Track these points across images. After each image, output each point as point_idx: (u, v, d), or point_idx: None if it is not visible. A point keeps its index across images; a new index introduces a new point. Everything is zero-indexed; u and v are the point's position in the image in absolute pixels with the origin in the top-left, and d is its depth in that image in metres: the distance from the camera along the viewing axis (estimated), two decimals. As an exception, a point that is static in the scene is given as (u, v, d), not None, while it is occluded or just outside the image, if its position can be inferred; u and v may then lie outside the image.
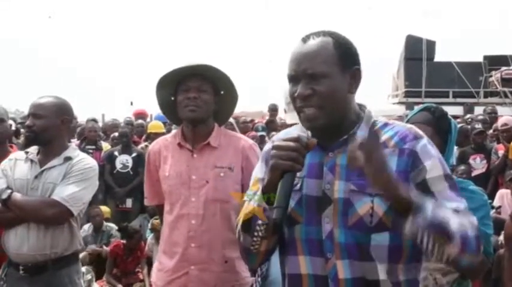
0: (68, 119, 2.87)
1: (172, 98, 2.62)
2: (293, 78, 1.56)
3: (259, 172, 1.71)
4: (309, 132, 1.58)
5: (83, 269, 5.55)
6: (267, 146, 1.73)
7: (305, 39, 1.57)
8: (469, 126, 7.32)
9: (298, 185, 1.57)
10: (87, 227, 6.19)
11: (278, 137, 1.70)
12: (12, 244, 2.73)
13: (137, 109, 9.68)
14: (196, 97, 2.51)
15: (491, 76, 12.18)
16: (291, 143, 1.48)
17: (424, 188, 1.50)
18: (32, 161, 2.80)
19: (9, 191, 2.70)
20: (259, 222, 1.54)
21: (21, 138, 8.20)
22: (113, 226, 6.30)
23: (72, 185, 2.71)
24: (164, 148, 2.68)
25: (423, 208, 1.39)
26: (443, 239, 1.40)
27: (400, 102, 11.90)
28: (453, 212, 1.45)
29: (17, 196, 2.69)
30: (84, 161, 2.83)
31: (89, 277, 5.58)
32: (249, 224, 1.58)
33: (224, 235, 2.53)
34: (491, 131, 7.69)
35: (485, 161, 6.82)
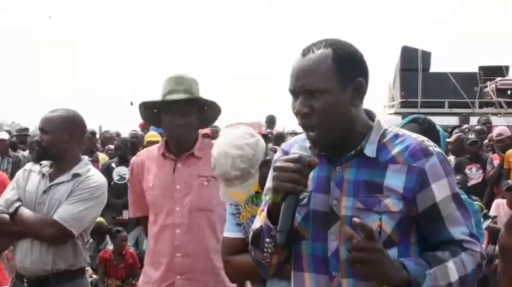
0: (78, 133, 2.84)
1: (155, 110, 2.67)
2: (292, 93, 1.54)
3: (269, 180, 1.70)
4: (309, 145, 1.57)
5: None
6: (278, 154, 1.72)
7: (304, 53, 1.53)
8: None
9: (306, 200, 1.55)
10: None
11: (287, 145, 1.70)
12: (18, 257, 2.75)
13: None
14: (181, 124, 2.55)
15: (486, 87, 12.22)
16: (292, 165, 1.45)
17: (434, 212, 1.51)
18: (43, 174, 2.80)
19: (16, 204, 2.70)
20: (267, 239, 1.53)
21: (19, 152, 8.20)
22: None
23: (75, 204, 2.68)
24: (147, 159, 2.70)
25: (421, 282, 1.41)
26: None
27: (396, 113, 11.91)
28: (454, 258, 1.48)
29: (22, 211, 2.69)
30: (92, 179, 2.78)
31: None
32: (257, 239, 1.58)
33: (209, 244, 2.54)
34: (486, 141, 7.72)
35: (481, 171, 6.83)
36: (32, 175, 2.83)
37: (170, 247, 2.54)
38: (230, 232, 2.31)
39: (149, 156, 2.71)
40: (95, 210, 2.79)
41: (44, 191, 2.74)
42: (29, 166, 2.94)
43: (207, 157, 2.56)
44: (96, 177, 2.83)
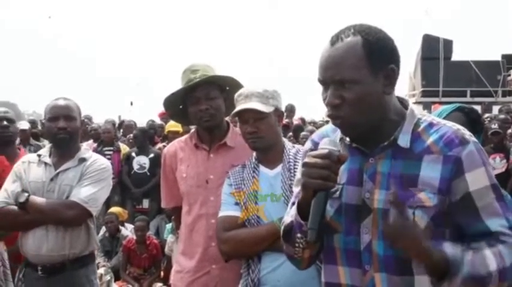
0: (83, 120, 2.93)
1: (181, 107, 2.66)
2: (322, 83, 1.48)
3: (299, 172, 1.66)
4: (347, 139, 1.53)
5: (102, 270, 5.60)
6: (307, 145, 1.69)
7: (333, 41, 1.45)
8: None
9: (338, 193, 1.52)
10: (103, 232, 6.23)
11: (317, 136, 1.66)
12: (31, 246, 2.75)
13: (163, 110, 9.63)
14: (208, 108, 2.53)
15: (509, 75, 12.05)
16: (321, 161, 1.40)
17: (467, 202, 1.44)
18: (45, 163, 2.82)
19: (26, 194, 2.71)
20: (298, 235, 1.51)
21: (43, 140, 8.28)
22: (127, 233, 6.29)
23: (89, 186, 2.74)
24: (180, 149, 2.70)
25: (460, 266, 1.34)
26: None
27: (417, 102, 11.81)
28: (492, 248, 1.40)
29: (36, 198, 2.70)
30: (99, 162, 2.85)
31: (108, 277, 5.62)
32: (289, 234, 1.56)
33: None
34: (510, 130, 7.60)
35: (505, 161, 6.75)
36: (32, 166, 2.84)
37: (205, 237, 2.55)
38: (228, 211, 2.32)
39: (181, 146, 2.71)
40: (106, 191, 2.85)
41: (52, 179, 2.77)
42: (26, 158, 2.96)
43: (239, 145, 2.56)
44: (102, 160, 2.92)
